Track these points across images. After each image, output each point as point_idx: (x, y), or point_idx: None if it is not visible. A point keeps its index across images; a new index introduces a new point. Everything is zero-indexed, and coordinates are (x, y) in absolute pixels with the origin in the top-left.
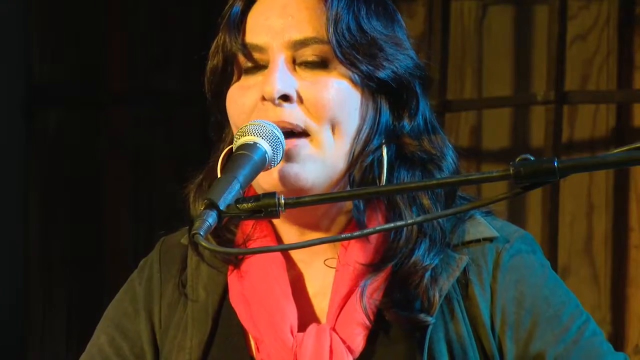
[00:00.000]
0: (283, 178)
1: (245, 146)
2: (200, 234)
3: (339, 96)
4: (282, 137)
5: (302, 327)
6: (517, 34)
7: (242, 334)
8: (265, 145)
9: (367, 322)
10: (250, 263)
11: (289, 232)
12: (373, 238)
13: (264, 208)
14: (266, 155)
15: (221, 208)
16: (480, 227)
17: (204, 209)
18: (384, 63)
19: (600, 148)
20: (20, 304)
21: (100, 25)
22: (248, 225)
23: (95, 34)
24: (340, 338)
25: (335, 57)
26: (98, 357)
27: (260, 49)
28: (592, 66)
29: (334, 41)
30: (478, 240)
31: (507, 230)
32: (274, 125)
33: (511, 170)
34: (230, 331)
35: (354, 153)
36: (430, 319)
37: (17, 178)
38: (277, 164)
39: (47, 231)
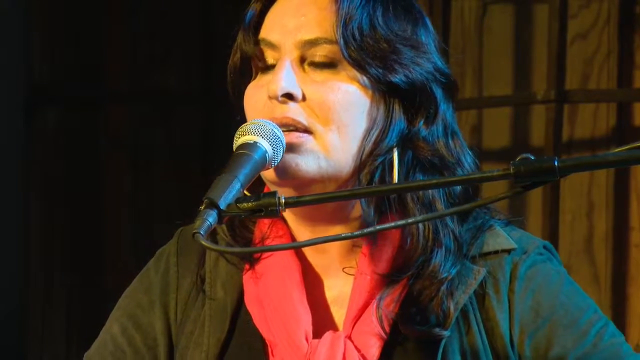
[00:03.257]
0: (283, 168)
1: (245, 145)
2: (200, 233)
3: (346, 99)
4: (282, 136)
5: (318, 334)
6: (517, 32)
7: (260, 336)
8: (265, 144)
9: (383, 333)
10: (266, 265)
11: (302, 235)
12: (389, 247)
13: (264, 207)
14: (266, 155)
15: (221, 207)
16: (499, 238)
17: (204, 208)
18: (397, 66)
19: (600, 147)
20: (20, 304)
21: (100, 25)
22: (265, 225)
23: (95, 33)
24: (355, 347)
25: (344, 58)
26: (110, 345)
27: (273, 46)
28: (593, 65)
29: (342, 42)
30: (496, 252)
31: (525, 241)
32: (275, 124)
33: (511, 170)
34: (247, 332)
35: (362, 155)
36: (445, 333)
37: (17, 178)
38: (277, 163)
39: (47, 231)
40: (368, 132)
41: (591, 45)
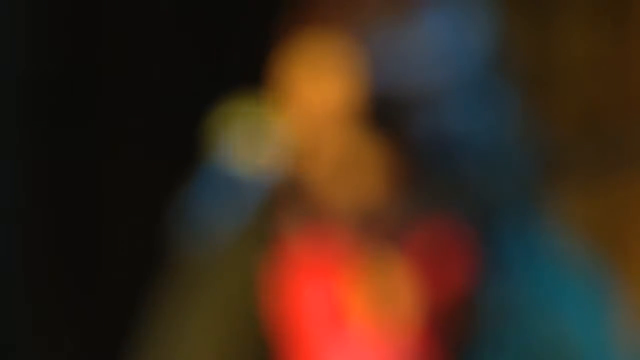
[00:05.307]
0: None
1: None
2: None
3: None
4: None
5: (340, 326)
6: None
7: (284, 319)
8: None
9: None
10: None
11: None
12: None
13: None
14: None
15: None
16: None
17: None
18: None
19: None
20: (19, 305)
21: (100, 25)
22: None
23: (95, 33)
24: (385, 338)
25: None
26: None
27: None
28: (590, 64)
29: None
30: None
31: (538, 243)
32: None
33: None
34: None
35: None
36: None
37: (17, 178)
38: None
39: (47, 232)
40: None
41: (590, 45)
